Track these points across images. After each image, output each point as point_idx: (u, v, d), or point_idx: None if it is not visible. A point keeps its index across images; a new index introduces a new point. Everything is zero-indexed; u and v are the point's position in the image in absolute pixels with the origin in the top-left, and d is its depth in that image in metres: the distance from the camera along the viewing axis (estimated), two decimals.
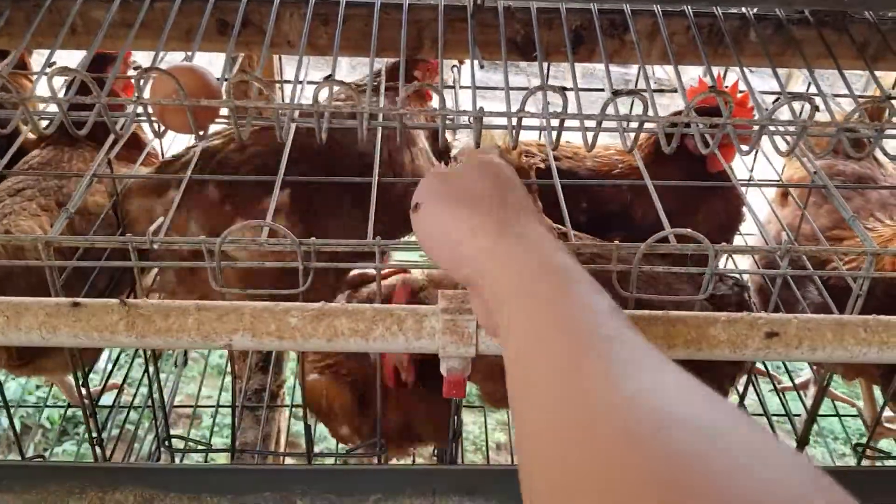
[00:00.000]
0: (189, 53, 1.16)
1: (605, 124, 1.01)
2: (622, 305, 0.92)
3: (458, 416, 1.26)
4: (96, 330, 0.83)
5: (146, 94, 0.98)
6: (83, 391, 1.18)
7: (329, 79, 0.97)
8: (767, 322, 0.85)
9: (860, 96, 1.10)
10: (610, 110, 0.99)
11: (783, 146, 1.06)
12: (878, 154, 1.71)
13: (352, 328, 0.84)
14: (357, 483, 1.27)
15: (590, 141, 1.02)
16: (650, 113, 0.99)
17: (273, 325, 0.83)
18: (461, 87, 1.56)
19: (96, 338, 0.82)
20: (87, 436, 1.29)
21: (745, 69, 1.27)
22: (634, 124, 0.98)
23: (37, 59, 1.72)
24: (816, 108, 0.94)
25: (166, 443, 1.32)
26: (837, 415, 1.87)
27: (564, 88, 0.94)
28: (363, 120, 0.98)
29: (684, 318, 0.86)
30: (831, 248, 1.07)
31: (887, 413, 1.73)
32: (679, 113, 1.24)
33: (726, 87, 1.56)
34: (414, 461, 1.66)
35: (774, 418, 1.60)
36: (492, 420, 2.40)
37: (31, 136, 1.51)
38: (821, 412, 2.00)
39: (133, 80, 0.94)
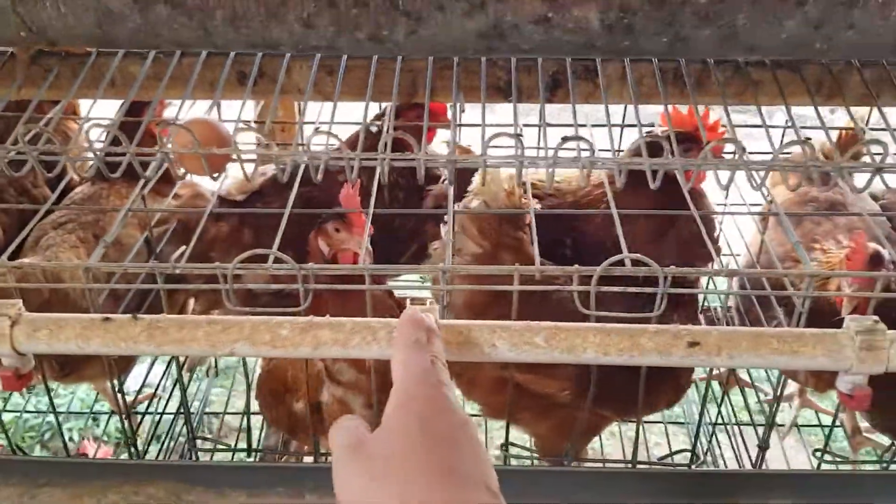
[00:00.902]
0: (212, 102, 1.35)
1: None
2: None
3: None
4: (123, 340, 0.99)
5: (174, 140, 1.16)
6: (118, 397, 1.35)
7: (318, 130, 1.13)
8: (690, 333, 0.99)
9: (803, 127, 1.23)
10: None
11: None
12: (854, 182, 1.82)
13: (333, 338, 0.99)
14: None
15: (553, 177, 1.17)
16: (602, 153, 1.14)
17: (268, 335, 0.99)
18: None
19: (122, 346, 0.99)
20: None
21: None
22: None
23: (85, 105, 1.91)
24: (743, 149, 1.08)
25: (195, 443, 1.49)
26: (820, 425, 1.97)
27: (518, 135, 1.09)
28: (354, 165, 1.15)
29: (618, 329, 0.99)
30: (773, 272, 1.19)
31: (865, 424, 1.82)
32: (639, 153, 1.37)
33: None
34: None
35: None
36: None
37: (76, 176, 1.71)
38: (804, 423, 2.10)
39: (157, 132, 1.11)
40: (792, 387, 1.94)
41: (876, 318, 0.98)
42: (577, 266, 1.17)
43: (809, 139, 1.21)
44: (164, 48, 1.23)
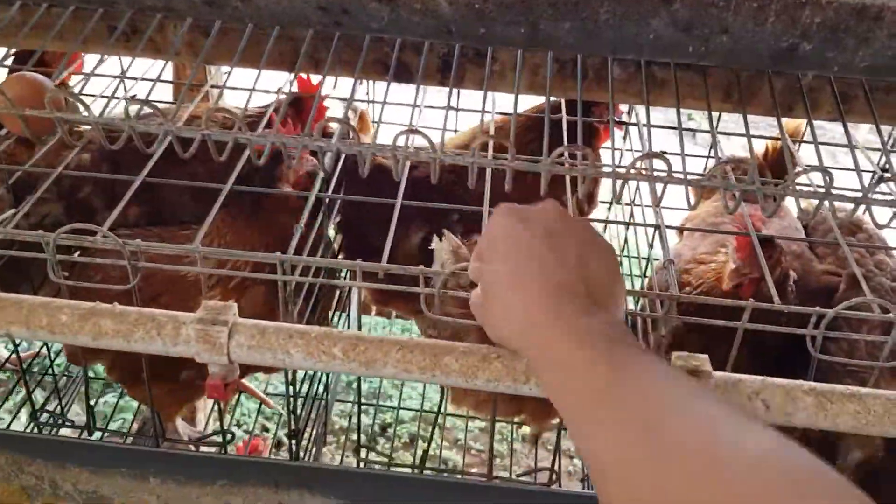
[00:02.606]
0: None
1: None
2: None
3: (296, 414, 1.33)
4: None
5: None
6: None
7: (134, 97, 1.04)
8: (500, 357, 0.90)
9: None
10: None
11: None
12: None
13: (115, 329, 0.92)
14: (206, 469, 1.35)
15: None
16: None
17: (45, 319, 0.92)
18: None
19: None
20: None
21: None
22: None
23: None
24: (585, 158, 0.99)
25: (37, 416, 1.43)
26: None
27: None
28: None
29: (422, 345, 0.91)
30: (636, 292, 1.11)
31: None
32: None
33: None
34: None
35: None
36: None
37: None
38: None
39: None
40: None
41: (703, 357, 0.89)
42: (421, 267, 1.09)
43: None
44: None
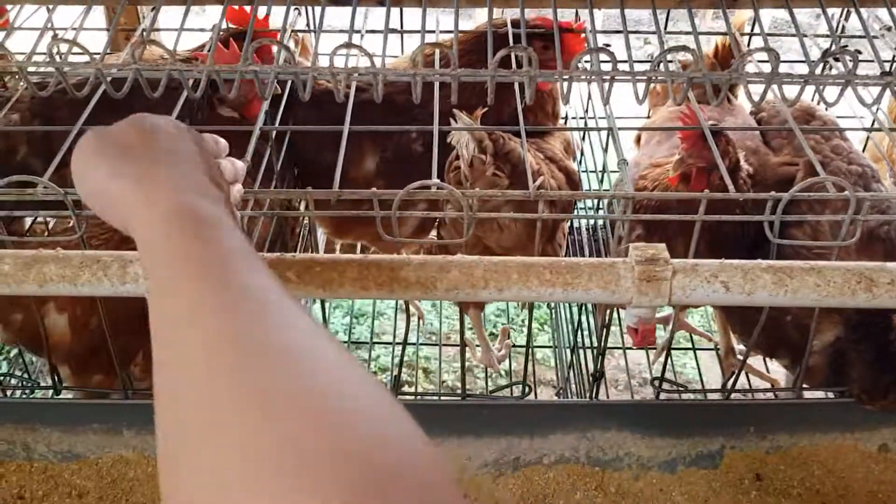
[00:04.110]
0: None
1: None
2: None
3: None
4: None
5: None
6: None
7: (57, 37, 1.00)
8: (457, 265, 0.89)
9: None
10: None
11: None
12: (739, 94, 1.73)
13: (60, 274, 0.89)
14: None
15: None
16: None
17: None
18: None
19: None
20: None
21: None
22: None
23: None
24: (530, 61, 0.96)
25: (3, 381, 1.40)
26: (693, 349, 1.90)
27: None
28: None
29: (378, 262, 0.90)
30: (577, 194, 1.10)
31: (741, 346, 1.75)
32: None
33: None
34: None
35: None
36: None
37: None
38: (678, 346, 2.04)
39: None
40: (668, 309, 1.86)
41: (660, 246, 0.89)
42: (373, 189, 1.07)
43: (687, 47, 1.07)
44: None
